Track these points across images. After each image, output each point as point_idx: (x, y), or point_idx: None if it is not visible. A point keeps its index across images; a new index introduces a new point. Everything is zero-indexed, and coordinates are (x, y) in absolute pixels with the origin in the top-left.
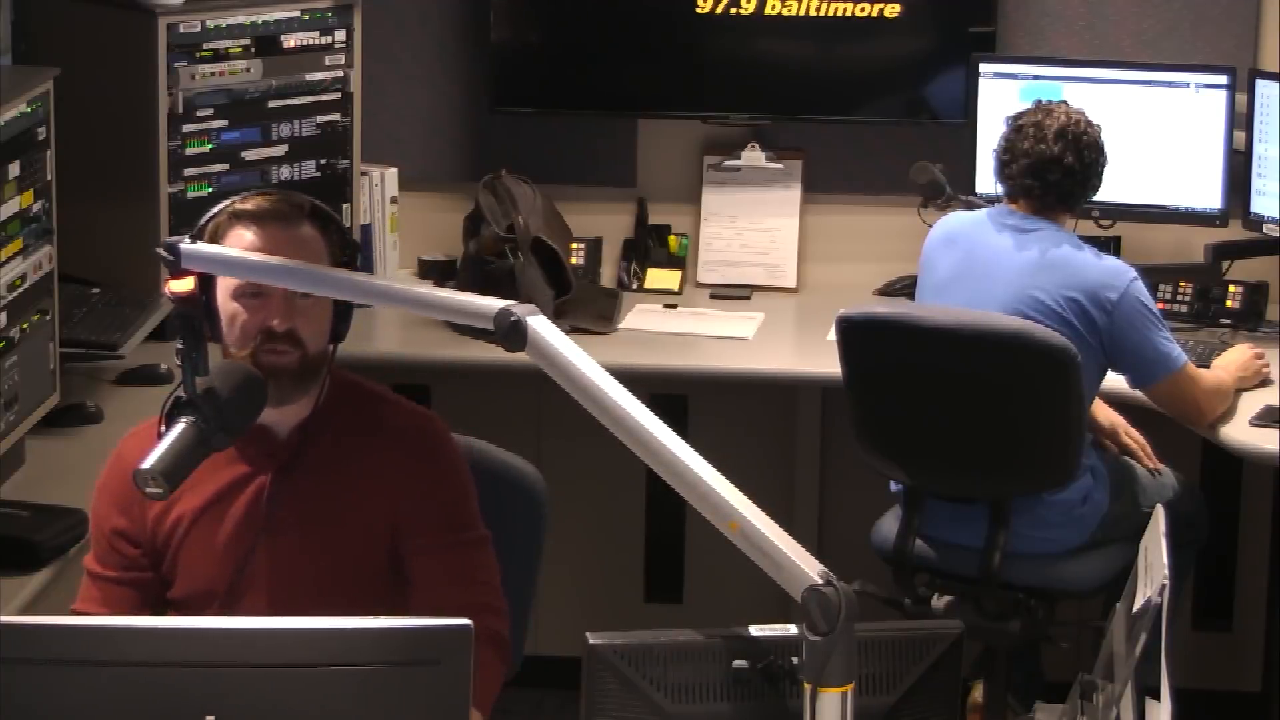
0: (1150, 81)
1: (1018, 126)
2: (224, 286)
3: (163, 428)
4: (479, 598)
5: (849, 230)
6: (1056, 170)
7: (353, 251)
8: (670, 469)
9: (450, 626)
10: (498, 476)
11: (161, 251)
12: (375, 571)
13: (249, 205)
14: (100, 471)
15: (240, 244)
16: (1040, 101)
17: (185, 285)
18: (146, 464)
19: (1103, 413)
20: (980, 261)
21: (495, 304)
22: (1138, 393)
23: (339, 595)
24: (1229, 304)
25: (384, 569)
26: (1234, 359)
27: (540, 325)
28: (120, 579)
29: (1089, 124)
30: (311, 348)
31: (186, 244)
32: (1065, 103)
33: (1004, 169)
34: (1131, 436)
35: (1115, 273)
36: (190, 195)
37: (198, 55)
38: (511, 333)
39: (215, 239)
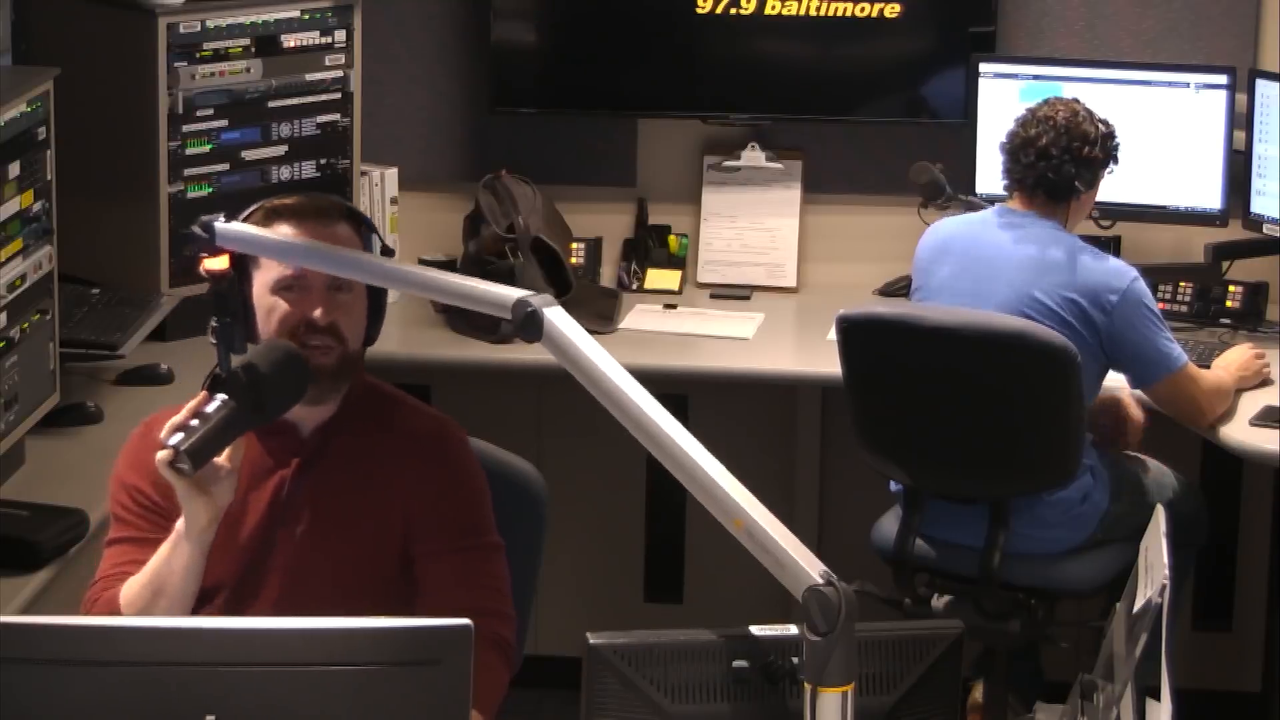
0: (1150, 81)
1: (1019, 117)
2: (261, 281)
3: (201, 404)
4: (486, 602)
5: (849, 230)
6: (1031, 152)
7: (388, 256)
8: (680, 465)
9: (450, 626)
10: (498, 476)
11: (197, 229)
12: (388, 573)
13: (287, 201)
14: (101, 470)
15: None
16: (1051, 97)
17: (220, 264)
18: (174, 439)
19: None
20: (980, 262)
21: (513, 293)
22: (1138, 392)
23: (351, 594)
24: (1229, 304)
25: (397, 570)
26: (1235, 359)
27: (556, 316)
28: (160, 540)
29: (1078, 115)
30: (351, 345)
31: (221, 223)
32: (1076, 99)
33: (1003, 157)
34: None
35: (1116, 273)
36: (190, 195)
37: (198, 55)
38: (528, 323)
39: None
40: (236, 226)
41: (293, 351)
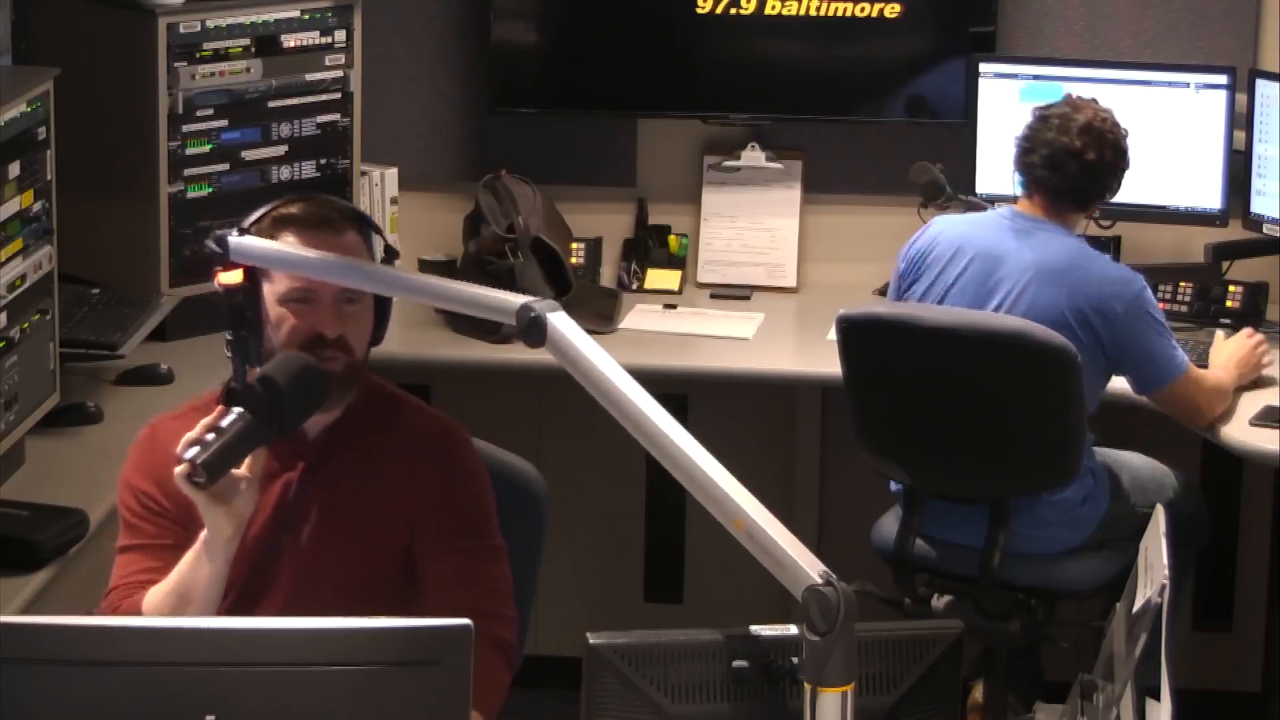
0: (1150, 81)
1: (1044, 116)
2: (271, 292)
3: (218, 418)
4: (487, 604)
5: (849, 230)
6: (1074, 164)
7: (392, 258)
8: (682, 468)
9: (450, 626)
10: (498, 476)
11: (210, 243)
12: (393, 573)
13: (294, 210)
14: (101, 470)
15: None
16: (1071, 95)
17: (234, 277)
18: (190, 453)
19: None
20: (990, 267)
21: (516, 299)
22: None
23: (358, 595)
24: (1229, 304)
25: (401, 571)
26: (1234, 352)
27: (560, 321)
28: (172, 545)
29: (1116, 125)
30: (357, 354)
31: (234, 237)
32: (1095, 100)
33: (1024, 157)
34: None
35: (1122, 282)
36: (190, 195)
37: (198, 55)
38: (531, 328)
39: None
40: (250, 241)
41: (310, 364)
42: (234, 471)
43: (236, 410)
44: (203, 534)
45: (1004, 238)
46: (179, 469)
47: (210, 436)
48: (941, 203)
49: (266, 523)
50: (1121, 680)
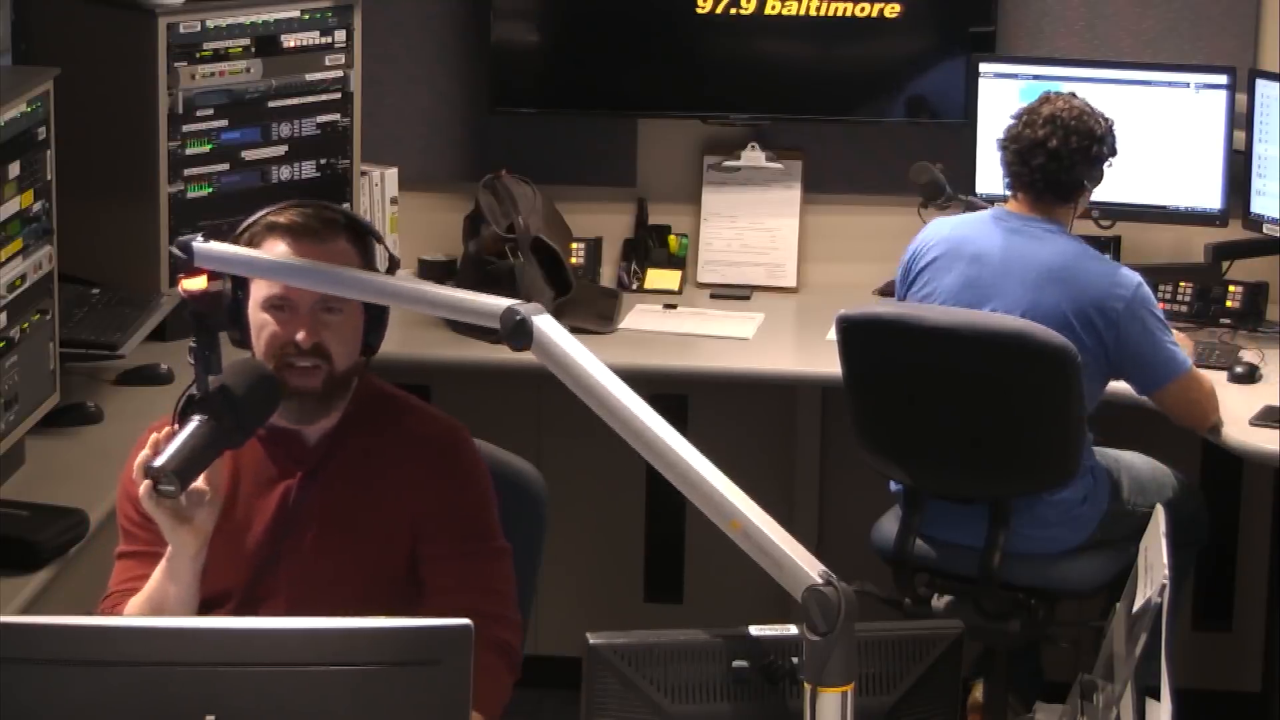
0: (1150, 81)
1: (1017, 114)
2: (255, 295)
3: (176, 425)
4: (490, 606)
5: (849, 230)
6: (1040, 154)
7: (393, 267)
8: (673, 469)
9: (450, 626)
10: (498, 476)
11: (174, 250)
12: (396, 577)
13: (283, 219)
14: (101, 470)
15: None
16: (1047, 93)
17: (198, 284)
18: (158, 461)
19: None
20: (987, 270)
21: (501, 303)
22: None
23: (361, 600)
24: (1229, 304)
25: (405, 575)
26: None
27: (545, 324)
28: (161, 554)
29: (1084, 113)
30: (339, 364)
31: (199, 242)
32: (1073, 94)
33: (1002, 155)
34: None
35: (1121, 281)
36: (190, 195)
37: (198, 55)
38: (517, 331)
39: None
40: (215, 246)
41: (264, 372)
42: (194, 486)
43: (196, 419)
44: (169, 550)
45: (998, 239)
46: (143, 486)
47: (172, 448)
48: (941, 203)
49: (267, 529)
50: (1121, 680)
